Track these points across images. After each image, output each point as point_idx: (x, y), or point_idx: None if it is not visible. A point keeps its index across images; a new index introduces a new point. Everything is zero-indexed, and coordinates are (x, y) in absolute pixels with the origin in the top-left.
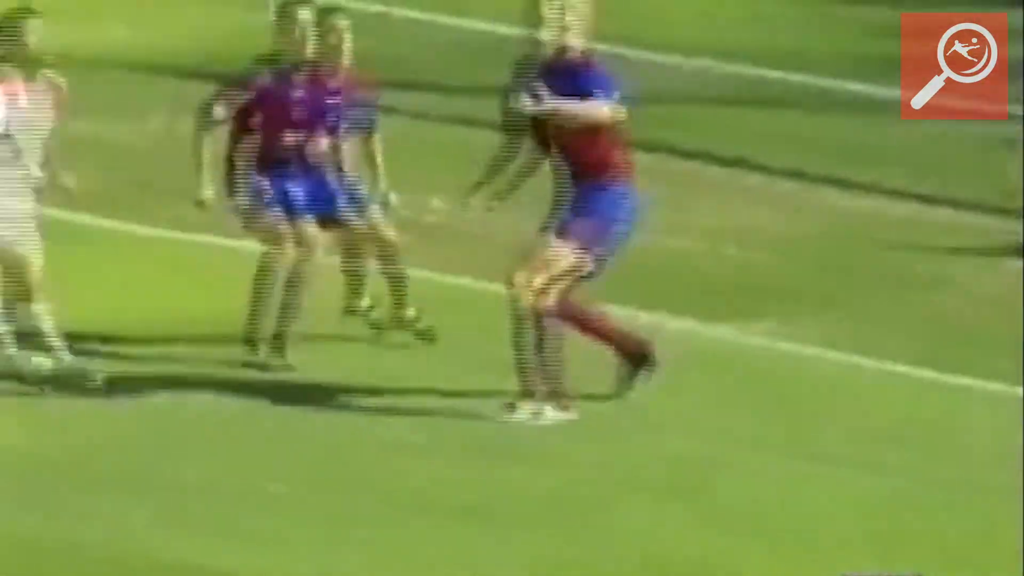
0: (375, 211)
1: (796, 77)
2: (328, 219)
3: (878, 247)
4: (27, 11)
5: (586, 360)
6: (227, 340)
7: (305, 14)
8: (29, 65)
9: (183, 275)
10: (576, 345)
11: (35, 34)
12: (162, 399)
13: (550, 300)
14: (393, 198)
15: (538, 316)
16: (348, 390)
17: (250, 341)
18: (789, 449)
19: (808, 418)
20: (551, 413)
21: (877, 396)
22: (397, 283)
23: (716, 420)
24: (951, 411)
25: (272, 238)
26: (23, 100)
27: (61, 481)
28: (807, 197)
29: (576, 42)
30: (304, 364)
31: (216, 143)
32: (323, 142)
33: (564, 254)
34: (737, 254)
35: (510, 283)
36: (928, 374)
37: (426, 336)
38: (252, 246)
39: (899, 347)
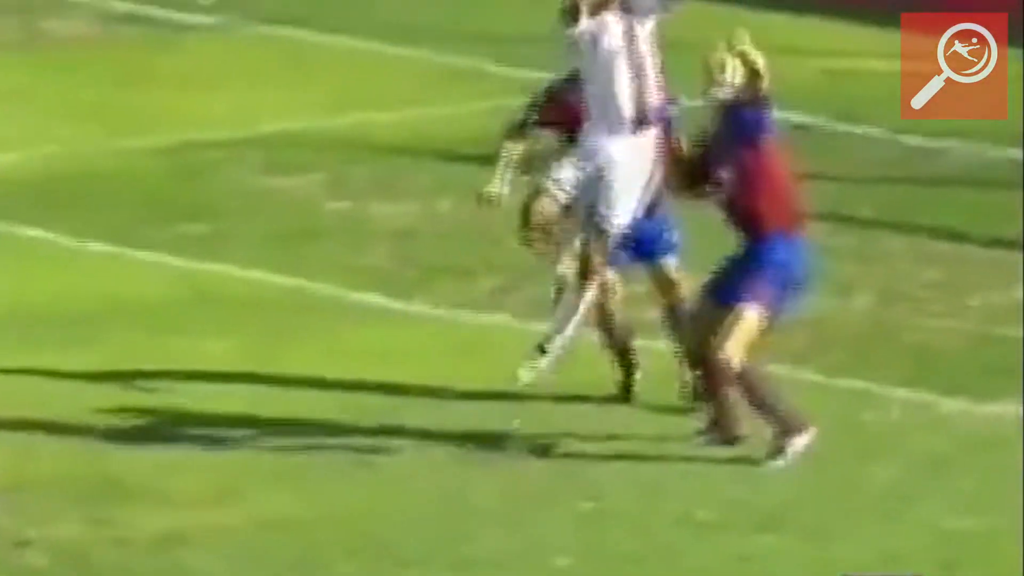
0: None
1: None
2: (643, 257)
3: None
4: None
5: None
6: (503, 416)
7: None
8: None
9: (459, 354)
10: None
11: None
12: (430, 470)
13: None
14: None
15: (738, 378)
16: (615, 456)
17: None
18: None
19: None
20: (793, 447)
21: None
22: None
23: (991, 498)
24: None
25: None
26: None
27: (333, 550)
28: None
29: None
30: (568, 427)
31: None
32: None
33: (754, 317)
34: (1009, 333)
35: (716, 354)
36: None
37: (691, 400)
38: (532, 327)
39: None
